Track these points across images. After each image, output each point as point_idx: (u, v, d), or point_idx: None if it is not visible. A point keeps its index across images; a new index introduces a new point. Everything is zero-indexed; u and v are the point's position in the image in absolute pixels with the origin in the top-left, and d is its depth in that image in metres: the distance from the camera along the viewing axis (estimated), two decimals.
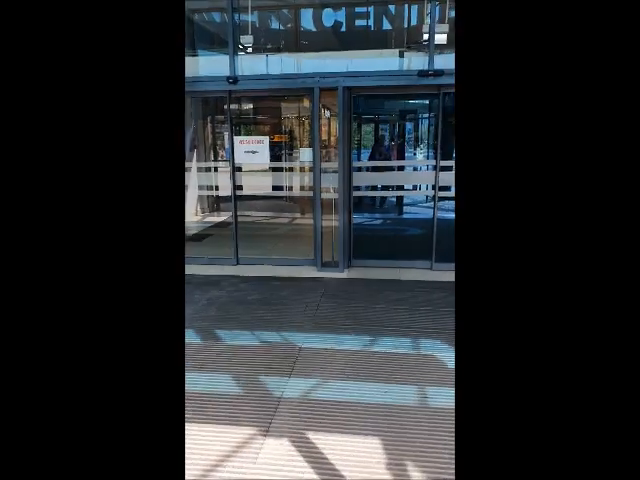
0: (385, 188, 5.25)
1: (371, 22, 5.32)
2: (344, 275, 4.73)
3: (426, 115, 5.56)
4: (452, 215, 6.03)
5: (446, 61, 4.46)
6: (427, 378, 2.64)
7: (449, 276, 4.59)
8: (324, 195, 4.83)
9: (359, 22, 5.44)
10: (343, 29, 5.23)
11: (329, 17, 5.27)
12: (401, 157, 5.78)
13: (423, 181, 4.91)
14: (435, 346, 3.04)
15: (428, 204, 5.16)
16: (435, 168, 4.67)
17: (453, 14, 4.90)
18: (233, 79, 4.64)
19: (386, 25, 5.21)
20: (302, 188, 5.32)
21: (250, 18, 5.04)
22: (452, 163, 4.96)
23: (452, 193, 5.21)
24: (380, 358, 2.88)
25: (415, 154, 5.39)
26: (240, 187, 5.25)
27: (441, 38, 4.68)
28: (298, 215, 6.14)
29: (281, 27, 5.66)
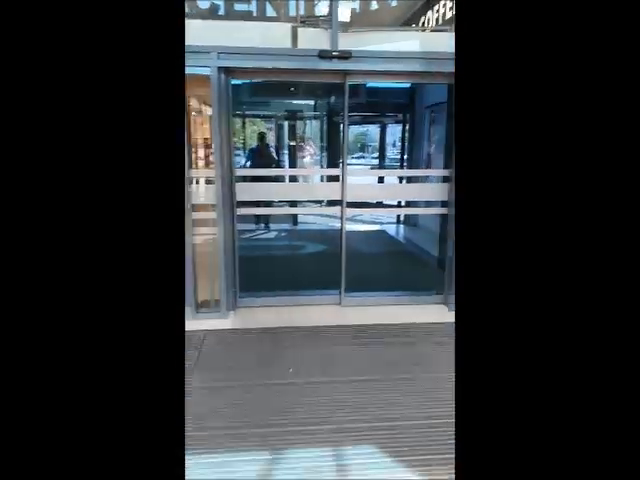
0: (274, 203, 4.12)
1: None
2: (228, 323, 3.49)
3: (329, 111, 4.55)
4: (360, 226, 5.15)
5: (352, 43, 3.48)
6: None
7: (366, 314, 3.62)
8: (197, 214, 3.54)
9: None
10: None
11: None
12: (296, 163, 4.71)
13: (327, 195, 3.87)
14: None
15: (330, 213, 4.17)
16: (342, 178, 3.67)
17: None
18: None
19: None
20: None
21: None
22: (363, 172, 4.02)
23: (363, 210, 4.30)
24: None
25: (319, 158, 4.34)
26: None
27: (345, 14, 3.71)
28: None
29: None
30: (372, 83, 4.27)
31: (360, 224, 5.27)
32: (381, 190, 3.96)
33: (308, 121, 4.86)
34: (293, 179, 4.37)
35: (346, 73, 3.43)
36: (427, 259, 4.77)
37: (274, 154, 5.83)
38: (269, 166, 5.50)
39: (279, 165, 5.72)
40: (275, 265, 4.77)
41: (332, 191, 3.73)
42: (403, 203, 4.67)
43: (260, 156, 5.52)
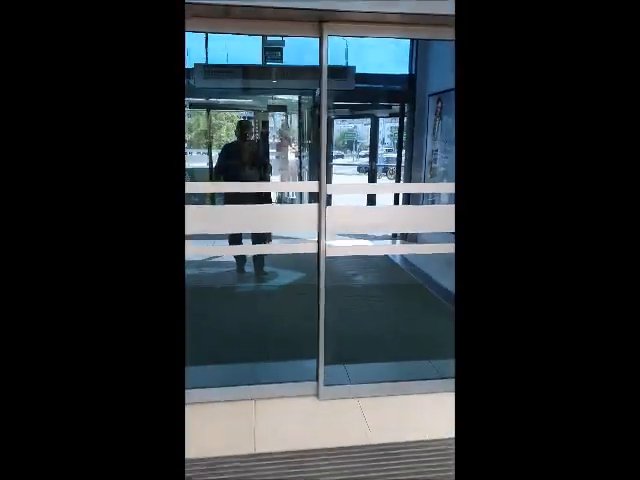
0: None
1: None
2: None
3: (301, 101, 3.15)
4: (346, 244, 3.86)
5: None
6: None
7: (359, 420, 2.19)
8: None
9: None
10: None
11: None
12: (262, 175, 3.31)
13: (296, 225, 2.44)
14: None
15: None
16: (320, 197, 2.25)
17: None
18: None
19: None
20: None
21: None
22: (354, 186, 2.62)
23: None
24: None
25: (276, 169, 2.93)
26: None
27: None
28: None
29: None
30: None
31: (346, 240, 3.79)
32: (380, 216, 2.53)
33: (268, 116, 3.46)
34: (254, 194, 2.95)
35: (322, 20, 2.01)
36: (445, 301, 3.39)
37: (256, 155, 4.39)
38: (252, 175, 4.09)
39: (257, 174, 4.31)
40: (219, 323, 3.26)
41: (304, 219, 2.30)
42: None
43: (240, 159, 4.06)
